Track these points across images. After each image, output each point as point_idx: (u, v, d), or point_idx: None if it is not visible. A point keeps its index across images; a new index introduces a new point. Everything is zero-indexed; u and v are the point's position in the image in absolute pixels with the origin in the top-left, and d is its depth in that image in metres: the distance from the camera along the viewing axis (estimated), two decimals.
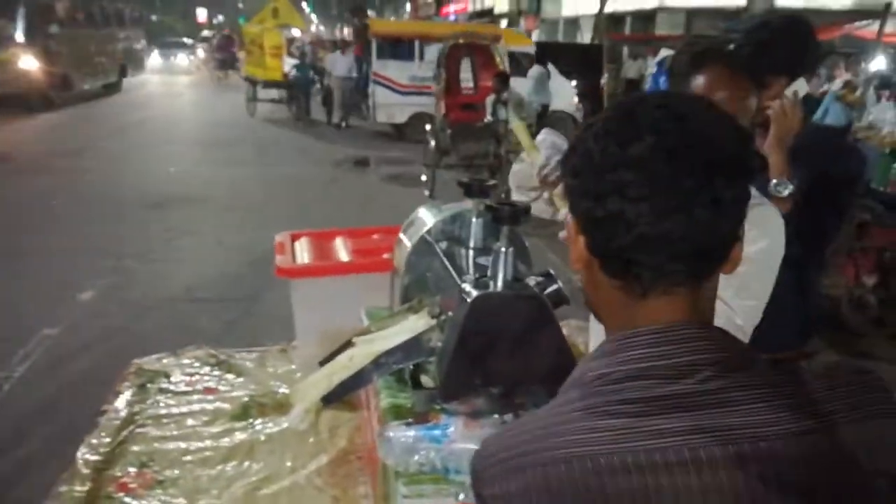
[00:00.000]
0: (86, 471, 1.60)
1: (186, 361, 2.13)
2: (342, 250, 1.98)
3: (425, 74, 10.41)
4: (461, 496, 0.99)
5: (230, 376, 2.05)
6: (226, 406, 1.89)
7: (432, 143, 8.20)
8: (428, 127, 8.49)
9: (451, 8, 41.49)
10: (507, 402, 1.07)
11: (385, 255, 1.87)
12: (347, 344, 1.23)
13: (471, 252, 1.24)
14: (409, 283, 1.30)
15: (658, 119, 0.58)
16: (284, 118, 12.81)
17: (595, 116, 0.63)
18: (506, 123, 7.52)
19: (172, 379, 2.03)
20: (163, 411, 1.86)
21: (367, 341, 1.20)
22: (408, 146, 10.57)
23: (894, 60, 11.25)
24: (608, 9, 19.05)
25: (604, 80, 13.70)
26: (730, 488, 0.54)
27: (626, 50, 16.43)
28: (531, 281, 1.09)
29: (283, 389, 1.97)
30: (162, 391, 1.96)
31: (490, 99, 8.07)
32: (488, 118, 7.61)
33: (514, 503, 0.59)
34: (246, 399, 1.92)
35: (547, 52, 11.95)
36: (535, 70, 9.88)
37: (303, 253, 1.98)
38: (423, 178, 8.63)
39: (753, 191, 1.47)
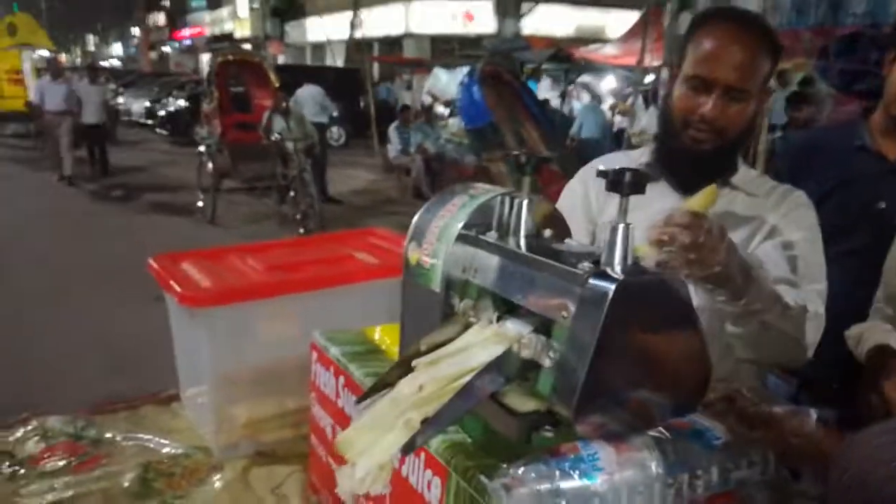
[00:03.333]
0: None
1: (32, 434, 1.60)
2: (252, 270, 1.61)
3: None
4: None
5: (103, 445, 1.57)
6: (116, 484, 1.43)
7: (209, 165, 7.58)
8: (202, 148, 7.84)
9: (187, 32, 39.54)
10: (645, 416, 0.86)
11: (363, 261, 1.57)
12: (399, 371, 0.94)
13: (522, 241, 1.02)
14: (447, 290, 1.03)
15: None
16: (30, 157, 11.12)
17: None
18: (294, 142, 7.17)
19: (20, 456, 1.51)
20: None
21: (431, 364, 0.92)
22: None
23: (622, 79, 12.71)
24: (357, 34, 19.35)
25: (364, 103, 13.86)
26: None
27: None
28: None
29: (185, 450, 1.55)
30: (13, 478, 1.44)
31: (266, 113, 7.66)
32: (275, 136, 7.19)
33: None
34: (140, 470, 1.47)
35: (302, 74, 11.75)
36: (312, 89, 9.61)
37: (199, 277, 1.57)
38: (200, 203, 7.97)
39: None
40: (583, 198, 1.51)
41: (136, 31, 47.71)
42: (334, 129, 13.78)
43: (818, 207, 1.76)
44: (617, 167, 0.87)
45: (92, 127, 10.06)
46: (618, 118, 11.86)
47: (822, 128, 5.45)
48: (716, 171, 1.37)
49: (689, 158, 1.35)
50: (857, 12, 7.45)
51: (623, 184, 0.86)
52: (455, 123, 9.69)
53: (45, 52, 14.16)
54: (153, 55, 44.15)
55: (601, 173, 0.88)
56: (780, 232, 1.35)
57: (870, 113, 1.76)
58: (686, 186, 1.36)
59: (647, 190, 1.39)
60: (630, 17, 13.21)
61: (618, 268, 0.85)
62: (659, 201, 1.37)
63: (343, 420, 1.20)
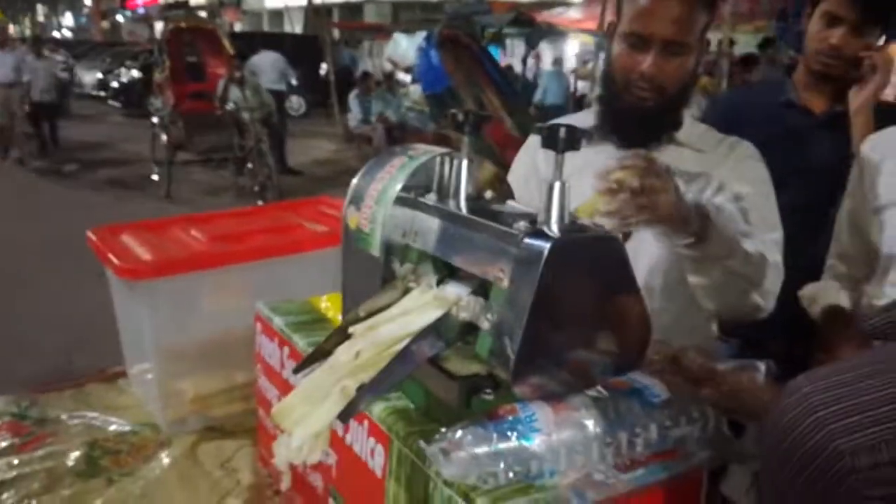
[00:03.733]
0: None
1: None
2: (195, 241, 1.56)
3: None
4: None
5: (48, 424, 1.53)
6: (61, 463, 1.39)
7: (163, 137, 7.40)
8: (155, 120, 7.64)
9: (140, 0, 38.40)
10: (584, 376, 0.85)
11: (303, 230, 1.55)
12: (337, 339, 0.91)
13: (462, 203, 0.99)
14: (387, 255, 1.01)
15: None
16: None
17: None
18: (250, 112, 7.02)
19: None
20: None
21: (369, 329, 0.90)
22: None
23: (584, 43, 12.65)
24: (316, 0, 18.96)
25: (324, 70, 13.63)
26: None
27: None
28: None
29: (132, 427, 1.52)
30: None
31: (222, 82, 7.47)
32: (230, 105, 7.02)
33: None
34: (86, 448, 1.44)
35: (260, 42, 11.47)
36: (269, 55, 9.35)
37: (140, 249, 1.52)
38: (155, 177, 7.80)
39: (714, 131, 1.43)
40: (531, 166, 1.48)
41: (87, 1, 46.17)
42: (294, 98, 13.53)
43: None
44: (548, 127, 0.85)
45: (41, 105, 9.30)
46: (581, 83, 11.83)
47: (748, 86, 5.49)
48: (661, 127, 1.35)
49: (634, 117, 1.33)
50: None
51: (558, 140, 0.83)
52: (416, 91, 9.57)
53: None
54: (105, 25, 42.76)
55: (537, 130, 0.85)
56: (729, 186, 1.34)
57: (793, 69, 1.77)
58: (633, 145, 1.35)
59: (594, 152, 1.38)
60: None
61: (554, 227, 0.83)
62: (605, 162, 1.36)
63: (288, 391, 1.17)
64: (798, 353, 1.64)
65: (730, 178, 1.34)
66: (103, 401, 1.65)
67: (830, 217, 1.64)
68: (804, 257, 1.67)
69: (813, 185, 1.68)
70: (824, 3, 1.60)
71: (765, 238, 1.25)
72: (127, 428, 1.53)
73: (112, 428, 1.52)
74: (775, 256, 1.26)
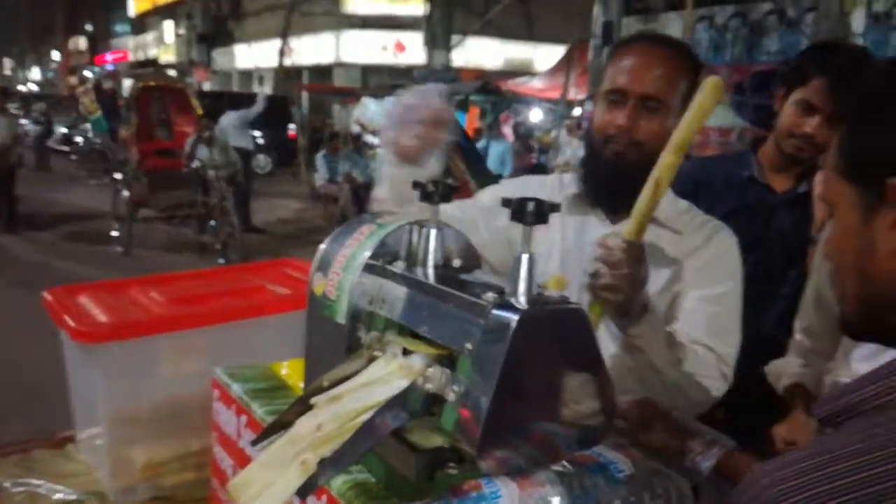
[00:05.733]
0: None
1: None
2: (153, 303, 1.53)
3: None
4: None
5: None
6: None
7: (125, 193, 7.33)
8: (118, 176, 7.58)
9: (109, 57, 38.52)
10: (549, 450, 0.84)
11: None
12: (298, 409, 0.89)
13: (430, 271, 0.99)
14: (353, 323, 0.99)
15: None
16: None
17: None
18: (216, 170, 7.01)
19: None
20: None
21: (332, 400, 0.87)
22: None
23: (546, 112, 12.97)
24: (287, 62, 19.23)
25: (293, 129, 13.70)
26: None
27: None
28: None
29: (77, 496, 1.45)
30: None
31: (190, 140, 7.48)
32: (196, 163, 7.01)
33: None
34: None
35: (226, 102, 11.56)
36: (231, 114, 9.41)
37: (97, 311, 1.48)
38: (115, 233, 7.69)
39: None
40: (490, 212, 1.40)
41: (55, 55, 46.18)
42: (261, 156, 13.57)
43: None
44: (527, 196, 0.85)
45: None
46: (534, 155, 12.06)
47: (707, 158, 5.67)
48: (640, 187, 1.30)
49: (613, 175, 1.32)
50: (771, 50, 7.87)
51: (525, 213, 0.84)
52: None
53: None
54: (73, 80, 42.75)
55: (505, 202, 0.86)
56: (703, 281, 1.32)
57: (759, 145, 1.81)
58: (615, 211, 1.36)
59: (580, 221, 1.39)
60: (557, 52, 13.55)
61: (522, 298, 0.83)
62: (591, 233, 1.36)
63: (244, 462, 1.14)
64: (740, 423, 1.67)
65: (705, 274, 1.32)
66: (50, 467, 1.57)
67: (784, 291, 1.68)
68: (752, 330, 1.71)
69: (769, 261, 1.71)
70: (800, 90, 1.63)
71: (723, 351, 1.26)
72: (73, 497, 1.45)
73: (57, 496, 1.45)
74: (726, 370, 1.27)
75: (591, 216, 1.40)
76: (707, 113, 1.12)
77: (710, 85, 1.12)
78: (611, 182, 1.34)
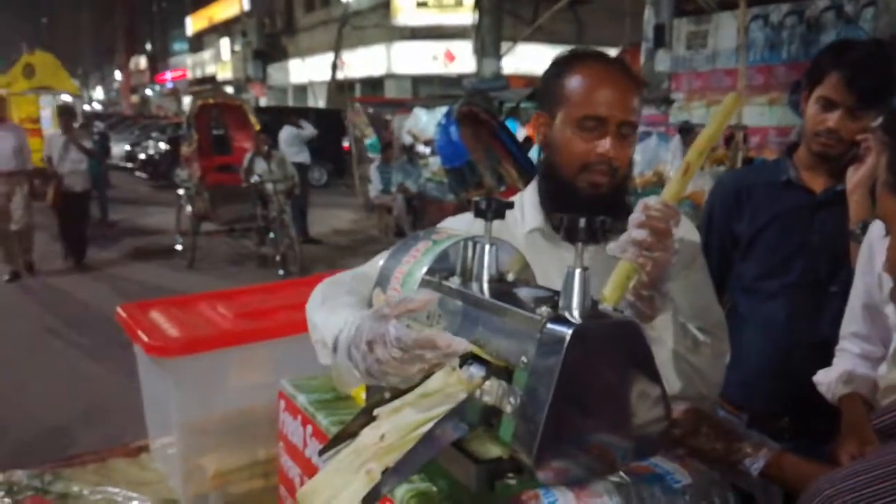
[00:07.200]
0: None
1: None
2: (221, 317, 1.60)
3: None
4: None
5: (70, 499, 1.54)
6: None
7: (188, 208, 7.57)
8: (181, 192, 7.84)
9: (169, 76, 39.71)
10: (606, 461, 0.86)
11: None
12: (362, 420, 0.93)
13: (485, 286, 1.02)
14: None
15: None
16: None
17: None
18: (274, 183, 7.19)
19: None
20: None
21: (394, 411, 0.91)
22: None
23: None
24: (339, 76, 19.54)
25: (347, 142, 13.85)
26: None
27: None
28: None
29: (152, 503, 1.52)
30: None
31: (248, 156, 7.69)
32: (255, 178, 7.20)
33: None
34: None
35: (283, 116, 11.80)
36: (288, 130, 9.66)
37: (168, 325, 1.56)
38: (179, 247, 7.94)
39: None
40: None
41: (117, 74, 47.95)
42: (315, 169, 13.83)
43: (753, 244, 1.79)
44: (569, 217, 0.87)
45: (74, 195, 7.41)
46: None
47: (746, 168, 5.56)
48: (614, 215, 1.09)
49: (590, 206, 1.17)
50: None
51: (577, 231, 0.87)
52: (435, 162, 9.74)
53: (67, 97, 11.43)
54: (135, 98, 44.32)
55: (556, 219, 0.89)
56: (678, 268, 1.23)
57: (794, 149, 1.81)
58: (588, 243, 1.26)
59: (548, 257, 1.31)
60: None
61: (576, 312, 0.86)
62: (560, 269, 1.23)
63: (311, 470, 1.19)
64: (805, 429, 1.65)
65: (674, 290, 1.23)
66: (125, 475, 1.66)
67: (832, 294, 1.66)
68: (806, 334, 1.68)
69: (816, 262, 1.70)
70: (820, 88, 1.65)
71: (713, 326, 1.25)
72: None
73: None
74: (721, 345, 1.26)
75: (561, 251, 1.25)
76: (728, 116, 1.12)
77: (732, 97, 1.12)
78: (588, 213, 1.23)
